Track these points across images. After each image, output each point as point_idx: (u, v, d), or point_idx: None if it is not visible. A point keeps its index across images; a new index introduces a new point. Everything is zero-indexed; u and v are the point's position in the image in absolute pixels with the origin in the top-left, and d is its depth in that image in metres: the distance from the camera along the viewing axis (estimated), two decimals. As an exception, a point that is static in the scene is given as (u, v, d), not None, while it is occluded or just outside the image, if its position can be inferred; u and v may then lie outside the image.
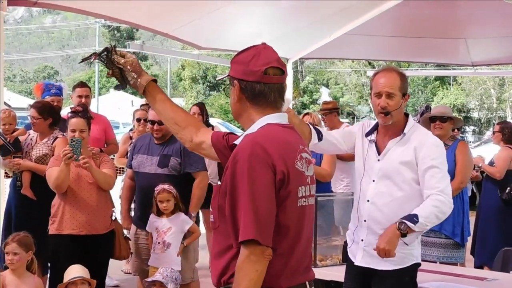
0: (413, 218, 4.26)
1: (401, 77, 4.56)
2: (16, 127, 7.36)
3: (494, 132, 9.69)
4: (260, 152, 3.03)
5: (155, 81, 3.64)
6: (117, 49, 3.60)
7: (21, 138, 7.25)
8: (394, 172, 4.48)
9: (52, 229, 6.37)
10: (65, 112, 6.82)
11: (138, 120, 8.71)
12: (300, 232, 3.18)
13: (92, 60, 3.64)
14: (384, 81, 4.54)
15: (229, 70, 3.32)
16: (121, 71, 3.55)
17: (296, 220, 3.15)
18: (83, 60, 3.93)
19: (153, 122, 6.73)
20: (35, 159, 7.10)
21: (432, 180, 4.40)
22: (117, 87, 3.67)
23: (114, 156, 9.20)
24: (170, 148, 6.73)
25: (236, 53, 3.34)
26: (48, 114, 7.27)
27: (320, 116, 8.89)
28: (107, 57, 3.55)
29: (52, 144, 7.18)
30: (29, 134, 7.38)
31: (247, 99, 3.23)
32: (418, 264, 4.65)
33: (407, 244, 4.42)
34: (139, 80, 3.54)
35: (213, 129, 9.28)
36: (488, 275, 5.62)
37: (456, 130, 9.83)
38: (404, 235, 4.26)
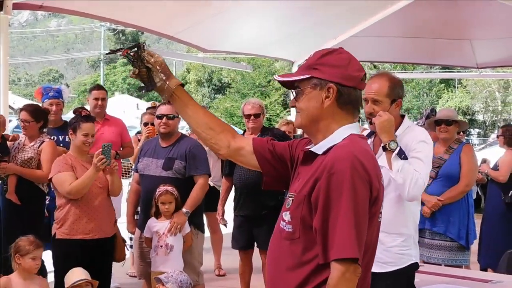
0: (401, 156, 4.33)
1: (390, 83, 4.55)
2: (15, 129, 7.33)
3: (497, 136, 9.70)
4: (360, 168, 2.92)
5: (182, 85, 3.36)
6: (146, 47, 3.30)
7: (9, 143, 7.21)
8: (388, 173, 4.45)
9: (60, 234, 6.32)
10: (71, 115, 6.78)
11: (146, 124, 8.70)
12: (375, 248, 3.15)
13: (120, 54, 3.28)
14: (371, 87, 4.54)
15: (304, 71, 3.11)
16: (148, 71, 3.26)
17: (375, 237, 3.12)
18: (110, 52, 3.55)
19: (161, 117, 6.73)
20: (21, 163, 7.01)
21: (414, 164, 4.39)
22: (141, 88, 3.34)
23: (129, 159, 9.24)
24: (176, 151, 6.74)
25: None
26: (39, 117, 7.23)
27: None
28: (137, 54, 3.25)
29: (38, 148, 7.11)
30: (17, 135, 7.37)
31: (339, 105, 3.07)
32: (416, 265, 4.59)
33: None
34: (167, 82, 3.26)
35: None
36: (493, 278, 5.61)
37: (461, 133, 9.83)
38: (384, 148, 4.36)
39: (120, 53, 3.27)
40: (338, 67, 3.08)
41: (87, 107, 7.83)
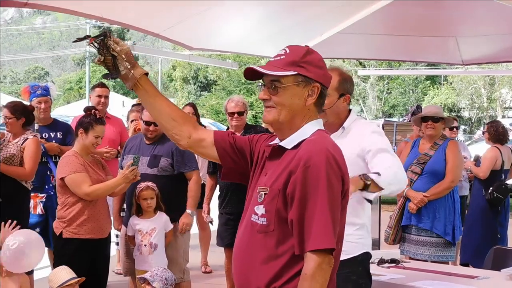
0: (375, 173, 4.30)
1: (340, 78, 4.64)
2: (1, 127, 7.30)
3: (483, 132, 9.75)
4: (333, 162, 3.03)
5: (146, 74, 3.37)
6: (112, 35, 3.28)
7: None
8: None
9: (68, 233, 6.30)
10: (56, 113, 6.73)
11: (132, 121, 8.68)
12: (342, 239, 3.23)
13: (87, 42, 3.26)
14: None
15: (288, 67, 3.12)
16: (114, 59, 3.26)
17: (343, 229, 3.20)
18: (77, 40, 3.45)
19: (148, 123, 6.72)
20: (3, 160, 6.95)
21: (379, 157, 4.46)
22: (106, 76, 3.36)
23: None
24: (161, 148, 6.73)
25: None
26: (20, 114, 7.15)
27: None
28: (103, 41, 3.23)
29: (22, 145, 7.06)
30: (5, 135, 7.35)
31: (316, 104, 3.19)
32: (369, 254, 4.65)
33: (370, 202, 4.48)
34: (132, 71, 3.26)
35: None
36: (479, 274, 5.63)
37: (454, 129, 9.85)
38: (366, 187, 4.27)
39: (87, 41, 3.26)
40: (321, 68, 3.19)
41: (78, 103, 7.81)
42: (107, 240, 6.54)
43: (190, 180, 6.79)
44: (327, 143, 3.11)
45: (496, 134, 9.26)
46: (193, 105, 9.57)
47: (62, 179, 6.31)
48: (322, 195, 2.97)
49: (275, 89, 3.12)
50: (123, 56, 3.27)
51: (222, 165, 3.39)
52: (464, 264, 8.64)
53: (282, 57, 3.14)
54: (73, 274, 5.66)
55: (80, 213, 6.28)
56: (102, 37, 3.24)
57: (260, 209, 3.11)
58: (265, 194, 3.11)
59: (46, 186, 7.64)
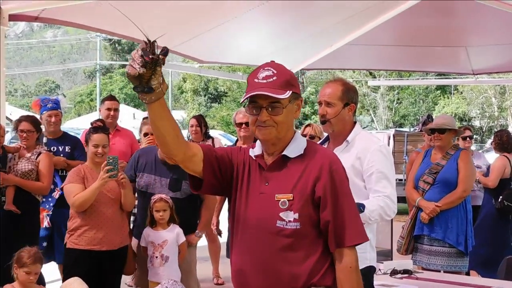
0: (360, 206, 4.26)
1: (344, 88, 4.71)
2: (12, 141, 7.34)
3: (492, 142, 9.75)
4: (343, 167, 3.42)
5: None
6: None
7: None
8: None
9: (70, 243, 6.32)
10: (67, 125, 6.78)
11: (146, 134, 8.62)
12: None
13: (151, 57, 2.90)
14: (325, 91, 4.73)
15: (286, 87, 3.30)
16: (152, 74, 2.96)
17: None
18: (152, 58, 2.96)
19: None
20: (21, 174, 7.03)
21: (378, 185, 4.52)
22: (137, 88, 3.00)
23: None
24: (180, 170, 6.68)
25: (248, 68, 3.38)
26: (38, 128, 7.33)
27: (321, 127, 8.81)
28: (157, 57, 2.93)
29: (36, 159, 7.14)
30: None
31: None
32: (373, 268, 4.68)
33: None
34: (161, 86, 3.02)
35: (212, 141, 9.31)
36: (492, 284, 5.62)
37: (468, 139, 9.82)
38: None
39: (152, 56, 2.91)
40: (298, 82, 3.44)
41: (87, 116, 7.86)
42: (119, 252, 6.45)
43: (204, 203, 6.79)
44: (329, 150, 3.57)
45: (501, 143, 9.25)
46: (198, 118, 9.50)
47: (62, 189, 6.38)
48: (349, 195, 3.36)
49: (275, 109, 3.29)
50: (161, 71, 3.07)
51: (204, 178, 3.40)
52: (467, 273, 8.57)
53: (274, 78, 3.28)
54: (85, 286, 5.67)
55: (81, 223, 6.28)
56: (164, 52, 2.99)
57: (289, 215, 3.29)
58: (289, 200, 3.29)
59: (49, 199, 7.64)
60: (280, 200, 3.30)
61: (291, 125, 3.41)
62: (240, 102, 3.38)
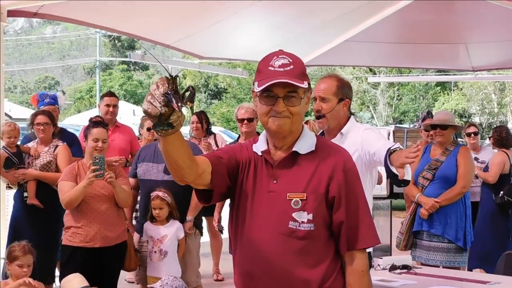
0: (396, 148, 4.27)
1: (339, 83, 4.75)
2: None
3: (489, 137, 9.76)
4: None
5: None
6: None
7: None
8: None
9: (65, 240, 6.34)
10: (67, 122, 6.83)
11: (149, 129, 8.61)
12: None
13: (186, 101, 2.68)
14: (319, 86, 4.76)
15: (302, 77, 3.08)
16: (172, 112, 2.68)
17: None
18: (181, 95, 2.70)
19: None
20: (40, 167, 7.15)
21: (382, 141, 4.53)
22: (157, 127, 2.72)
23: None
24: None
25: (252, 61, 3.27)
26: (54, 122, 7.42)
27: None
28: (182, 97, 2.69)
29: (54, 152, 7.23)
30: (27, 146, 7.44)
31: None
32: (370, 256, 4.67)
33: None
34: (179, 119, 2.74)
35: (215, 136, 9.31)
36: (491, 279, 5.62)
37: (473, 135, 9.81)
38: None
39: (180, 103, 2.66)
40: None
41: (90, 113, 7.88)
42: (115, 248, 6.45)
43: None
44: (341, 146, 3.35)
45: (500, 138, 9.27)
46: (198, 114, 9.41)
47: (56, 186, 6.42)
48: (362, 195, 3.20)
49: (291, 100, 3.08)
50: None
51: (212, 189, 3.18)
52: (471, 269, 8.58)
53: (291, 67, 3.07)
54: (85, 282, 5.66)
55: (74, 220, 6.30)
56: (190, 98, 2.74)
57: (303, 216, 3.11)
58: (302, 200, 3.10)
59: None
60: (292, 200, 3.11)
61: (303, 119, 3.25)
62: (258, 90, 3.05)
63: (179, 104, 2.65)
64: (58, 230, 6.83)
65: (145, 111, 2.70)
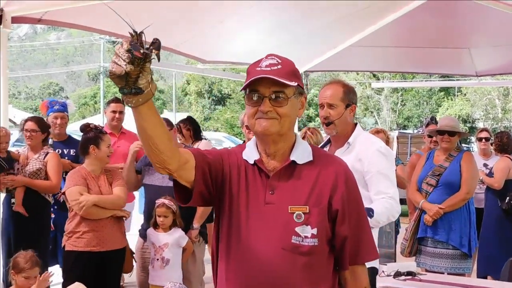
0: (369, 212, 4.27)
1: (345, 89, 4.71)
2: (15, 143, 7.38)
3: (491, 143, 9.74)
4: None
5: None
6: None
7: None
8: None
9: (68, 245, 6.32)
10: (71, 128, 6.82)
11: None
12: None
13: (142, 51, 2.45)
14: (325, 93, 4.71)
15: (291, 77, 2.89)
16: (140, 72, 2.52)
17: None
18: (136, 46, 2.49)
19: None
20: (29, 174, 7.08)
21: (381, 185, 4.50)
22: (124, 89, 2.53)
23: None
24: None
25: (245, 64, 3.17)
26: (44, 129, 7.34)
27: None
28: (147, 53, 2.49)
29: (44, 159, 7.18)
30: (18, 152, 7.42)
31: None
32: (375, 269, 4.65)
33: None
34: (150, 85, 2.57)
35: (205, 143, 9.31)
36: (496, 286, 5.60)
37: (483, 141, 9.80)
38: None
39: (143, 51, 2.47)
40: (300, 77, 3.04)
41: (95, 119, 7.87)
42: (117, 253, 6.46)
43: None
44: (336, 156, 3.23)
45: (501, 144, 9.24)
46: (183, 120, 9.49)
47: (64, 193, 6.37)
48: (362, 206, 3.06)
49: (278, 100, 2.88)
50: (150, 68, 2.58)
51: (192, 188, 2.95)
52: (483, 277, 8.55)
53: (279, 66, 2.88)
54: None
55: (80, 225, 6.28)
56: (156, 47, 2.54)
57: (306, 230, 2.89)
58: (304, 213, 2.88)
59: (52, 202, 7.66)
60: (295, 213, 2.88)
61: (294, 123, 3.01)
62: (240, 90, 2.86)
63: (142, 52, 2.45)
64: (47, 235, 6.82)
65: (110, 72, 2.49)
